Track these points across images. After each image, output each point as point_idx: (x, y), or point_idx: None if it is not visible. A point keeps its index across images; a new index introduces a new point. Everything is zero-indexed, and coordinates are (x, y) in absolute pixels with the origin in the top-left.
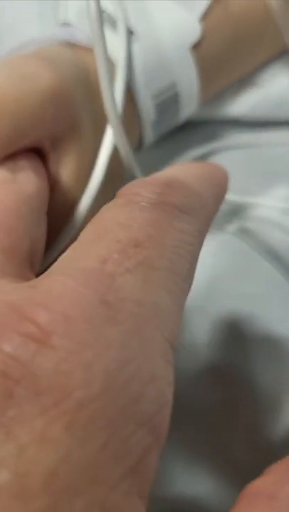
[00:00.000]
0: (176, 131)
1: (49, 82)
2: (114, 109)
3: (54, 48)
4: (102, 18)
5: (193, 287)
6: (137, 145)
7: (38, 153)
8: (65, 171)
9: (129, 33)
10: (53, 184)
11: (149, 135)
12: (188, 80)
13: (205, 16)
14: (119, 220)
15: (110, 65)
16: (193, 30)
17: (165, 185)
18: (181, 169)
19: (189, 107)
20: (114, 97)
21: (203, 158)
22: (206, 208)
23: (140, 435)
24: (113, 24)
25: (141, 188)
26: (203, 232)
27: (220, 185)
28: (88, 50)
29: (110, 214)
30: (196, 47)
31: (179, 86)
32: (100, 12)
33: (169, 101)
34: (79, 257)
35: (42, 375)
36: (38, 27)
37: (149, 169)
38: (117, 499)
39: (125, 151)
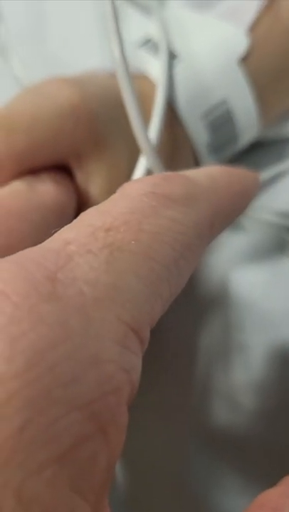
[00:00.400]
0: (244, 153)
1: (69, 99)
2: (144, 133)
3: (88, 74)
4: (124, 44)
5: (261, 320)
6: None
7: (68, 171)
8: (95, 188)
9: (172, 56)
10: (83, 202)
11: (206, 158)
12: (239, 94)
13: (254, 27)
14: (100, 208)
15: (152, 88)
16: (239, 43)
17: (162, 178)
18: (197, 169)
19: (249, 125)
20: (143, 121)
21: (274, 179)
22: (212, 203)
23: (72, 421)
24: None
25: (138, 182)
26: (205, 225)
27: (240, 185)
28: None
29: (97, 205)
30: (246, 60)
31: (230, 102)
32: (122, 46)
33: (220, 119)
34: (47, 241)
35: None
36: (98, 61)
37: None
38: (36, 486)
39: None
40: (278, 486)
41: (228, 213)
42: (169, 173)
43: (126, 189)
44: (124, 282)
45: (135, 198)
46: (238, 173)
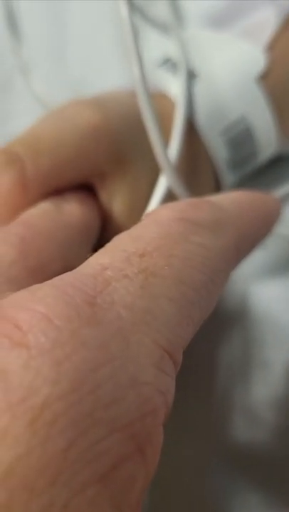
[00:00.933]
0: (263, 167)
1: (89, 120)
2: (164, 152)
3: (108, 93)
4: (143, 64)
5: (281, 335)
6: (214, 186)
7: (91, 191)
8: (117, 206)
9: (192, 75)
10: (106, 220)
11: (226, 174)
12: (258, 112)
13: (272, 45)
14: (132, 233)
15: (172, 106)
16: (257, 61)
17: (189, 204)
18: (221, 195)
19: (268, 142)
20: (163, 140)
21: None
22: (237, 228)
23: (112, 441)
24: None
25: (166, 208)
26: (232, 250)
27: (263, 210)
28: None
29: (128, 231)
30: (265, 77)
31: (249, 119)
32: (142, 68)
33: (240, 135)
34: (83, 266)
35: (12, 371)
36: (118, 81)
37: None
38: (81, 505)
39: (181, 193)
40: None
41: (252, 238)
42: (195, 200)
43: (155, 215)
44: (158, 307)
45: (164, 224)
46: (261, 198)
